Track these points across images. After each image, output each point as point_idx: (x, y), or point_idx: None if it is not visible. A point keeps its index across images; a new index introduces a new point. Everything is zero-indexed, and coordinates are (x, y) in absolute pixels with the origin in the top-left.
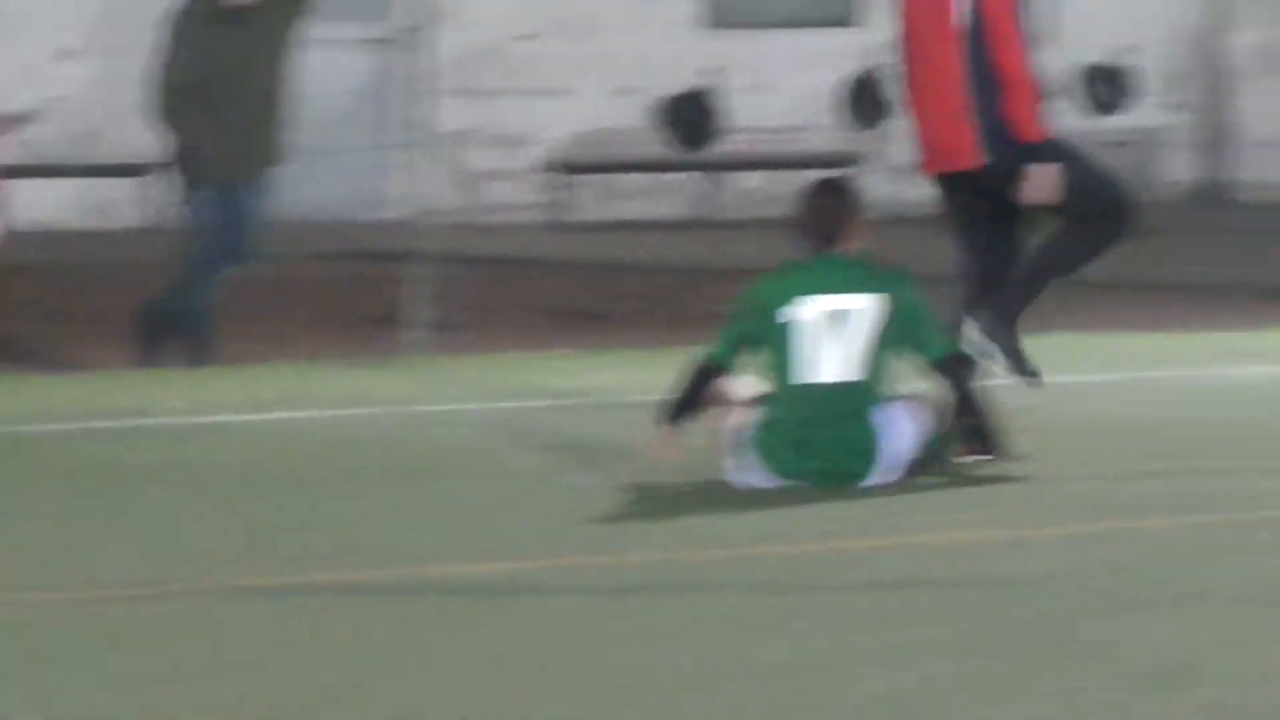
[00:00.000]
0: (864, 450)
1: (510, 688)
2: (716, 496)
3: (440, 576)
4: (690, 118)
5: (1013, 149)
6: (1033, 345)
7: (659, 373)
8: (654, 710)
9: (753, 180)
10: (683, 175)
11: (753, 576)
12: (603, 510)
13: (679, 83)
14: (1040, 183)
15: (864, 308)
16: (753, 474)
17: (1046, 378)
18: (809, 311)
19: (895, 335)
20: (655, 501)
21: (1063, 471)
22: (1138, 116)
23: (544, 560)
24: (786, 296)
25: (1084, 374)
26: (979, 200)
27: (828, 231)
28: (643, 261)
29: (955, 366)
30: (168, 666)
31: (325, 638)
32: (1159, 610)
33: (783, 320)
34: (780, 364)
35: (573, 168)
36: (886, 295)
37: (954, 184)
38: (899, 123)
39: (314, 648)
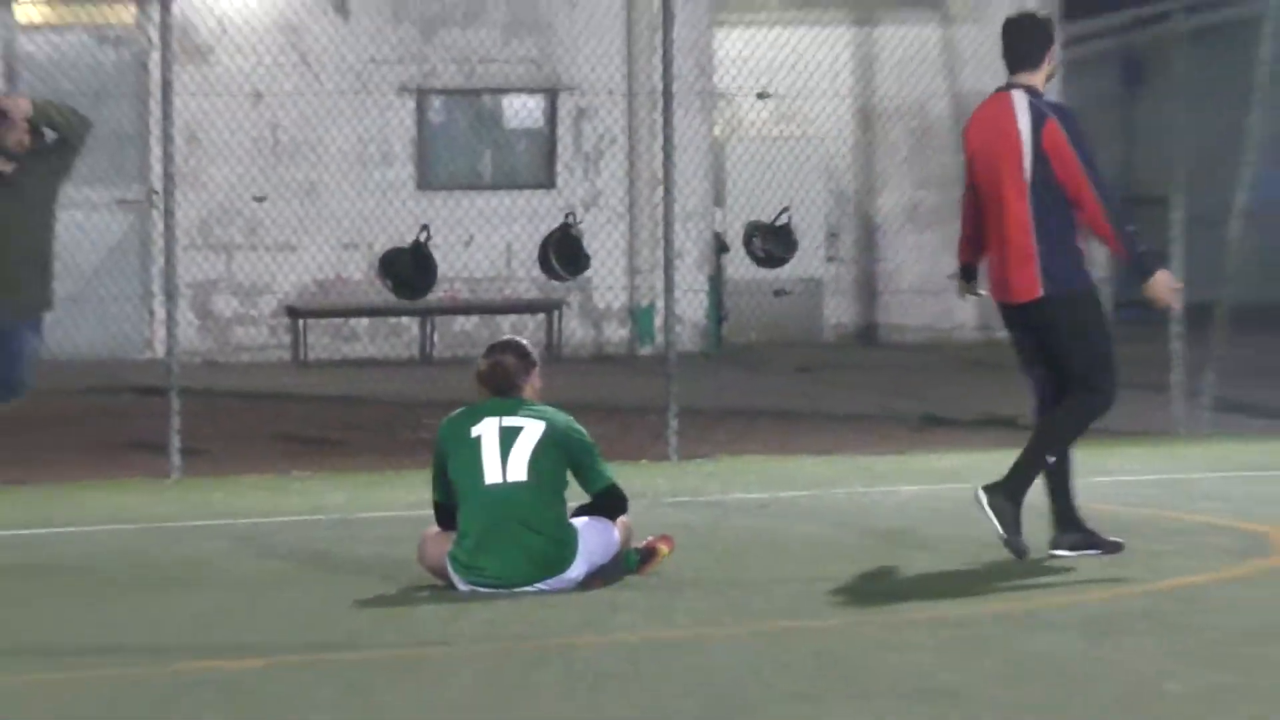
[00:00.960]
0: (541, 555)
1: None
2: (447, 598)
3: (192, 671)
4: (407, 269)
5: (1065, 287)
6: (724, 468)
7: (388, 492)
8: None
9: (465, 323)
10: (403, 319)
11: (475, 667)
12: (337, 611)
13: (396, 238)
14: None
15: (530, 426)
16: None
17: (731, 495)
18: (485, 429)
19: (560, 460)
20: (385, 605)
21: (740, 578)
22: (801, 268)
23: (290, 655)
24: (468, 424)
25: (761, 492)
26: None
27: (506, 385)
28: (370, 395)
29: (608, 499)
30: None
31: None
32: (817, 700)
33: (467, 438)
34: (465, 474)
35: (306, 313)
36: (549, 424)
37: (1015, 316)
38: (593, 272)
39: None
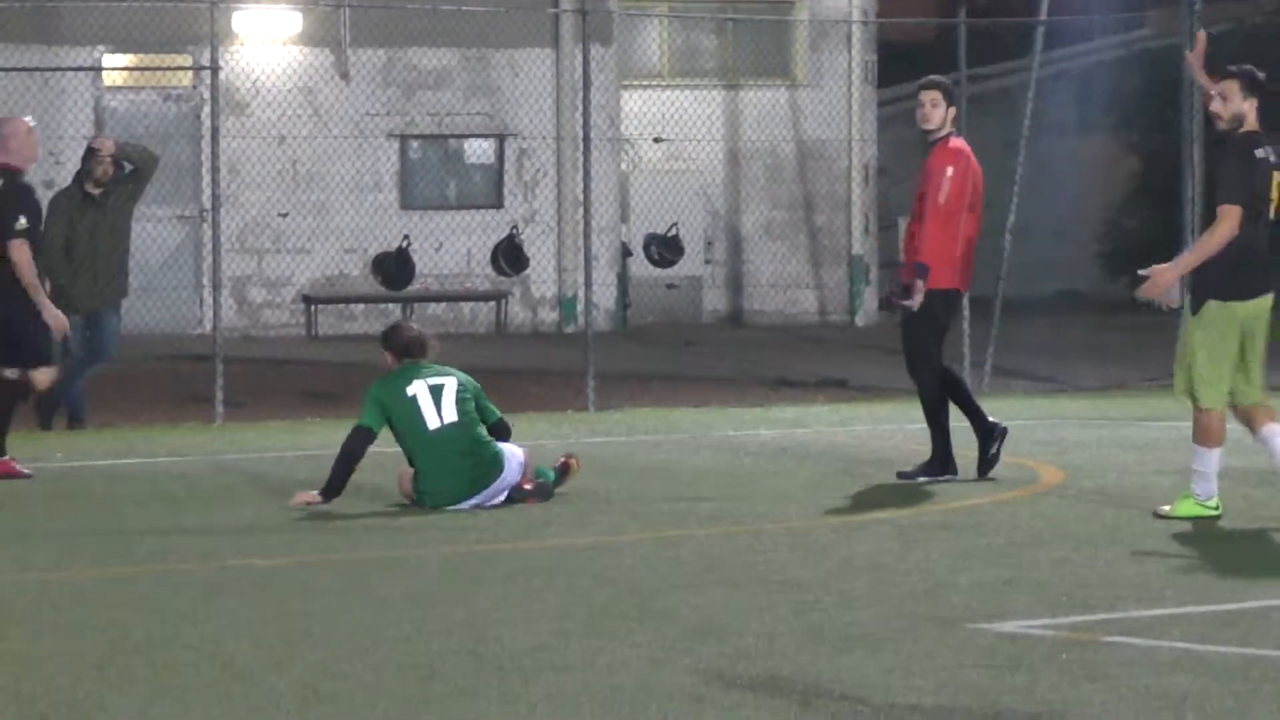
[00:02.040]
0: (485, 472)
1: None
2: (419, 513)
3: (234, 567)
4: (393, 268)
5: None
6: (629, 416)
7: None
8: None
9: (436, 308)
10: (389, 305)
11: (442, 564)
12: (340, 523)
13: (385, 245)
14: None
15: (447, 380)
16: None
17: (634, 437)
18: (417, 388)
19: (470, 400)
20: (374, 518)
21: (641, 498)
22: (686, 268)
23: (307, 555)
24: (402, 385)
25: (657, 435)
26: None
27: (421, 352)
28: (364, 361)
29: (501, 426)
30: None
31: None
32: (700, 589)
33: (404, 396)
34: (411, 425)
35: (317, 300)
36: (456, 376)
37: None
38: (531, 270)
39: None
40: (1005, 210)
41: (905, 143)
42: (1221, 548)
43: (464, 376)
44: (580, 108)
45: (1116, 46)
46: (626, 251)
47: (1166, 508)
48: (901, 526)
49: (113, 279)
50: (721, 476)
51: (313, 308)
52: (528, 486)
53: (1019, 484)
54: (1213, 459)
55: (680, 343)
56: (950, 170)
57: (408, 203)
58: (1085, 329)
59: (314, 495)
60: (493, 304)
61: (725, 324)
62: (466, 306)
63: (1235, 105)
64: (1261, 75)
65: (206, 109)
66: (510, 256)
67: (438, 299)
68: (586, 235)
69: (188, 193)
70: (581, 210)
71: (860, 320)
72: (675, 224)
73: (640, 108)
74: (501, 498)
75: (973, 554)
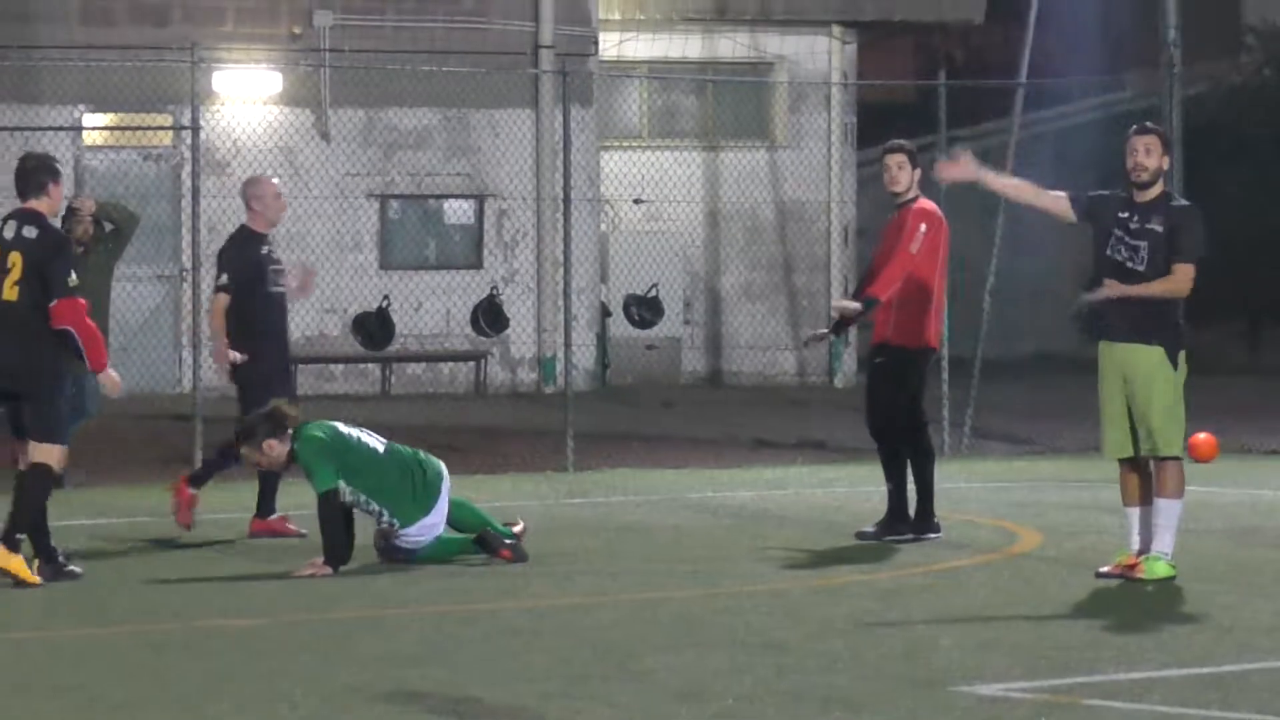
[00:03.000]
0: (435, 483)
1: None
2: (399, 571)
3: (209, 628)
4: (373, 328)
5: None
6: (609, 477)
7: None
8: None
9: (415, 369)
10: (369, 365)
11: (422, 625)
12: (320, 580)
13: (365, 304)
14: None
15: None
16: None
17: (614, 498)
18: (342, 425)
19: None
20: (354, 576)
21: (620, 558)
22: (665, 329)
23: (286, 615)
24: (330, 428)
25: (636, 496)
26: None
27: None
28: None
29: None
30: None
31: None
32: (679, 651)
33: (342, 433)
34: (361, 453)
35: (297, 360)
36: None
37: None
38: (511, 331)
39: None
40: (984, 271)
41: (885, 204)
42: (1200, 609)
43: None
44: (560, 168)
45: (1096, 108)
46: (606, 312)
47: (1142, 571)
48: (881, 588)
49: None
50: (701, 537)
51: (292, 368)
52: (506, 555)
53: (999, 546)
54: (1179, 511)
55: (659, 403)
56: (924, 226)
57: (387, 263)
58: (1063, 390)
59: (320, 565)
60: (472, 364)
61: (704, 385)
62: (446, 367)
63: (1157, 162)
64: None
65: (187, 168)
66: (490, 317)
67: (417, 359)
68: (566, 295)
69: (168, 252)
70: (561, 270)
71: (839, 381)
72: (655, 285)
73: (620, 169)
74: (440, 519)
75: (953, 616)
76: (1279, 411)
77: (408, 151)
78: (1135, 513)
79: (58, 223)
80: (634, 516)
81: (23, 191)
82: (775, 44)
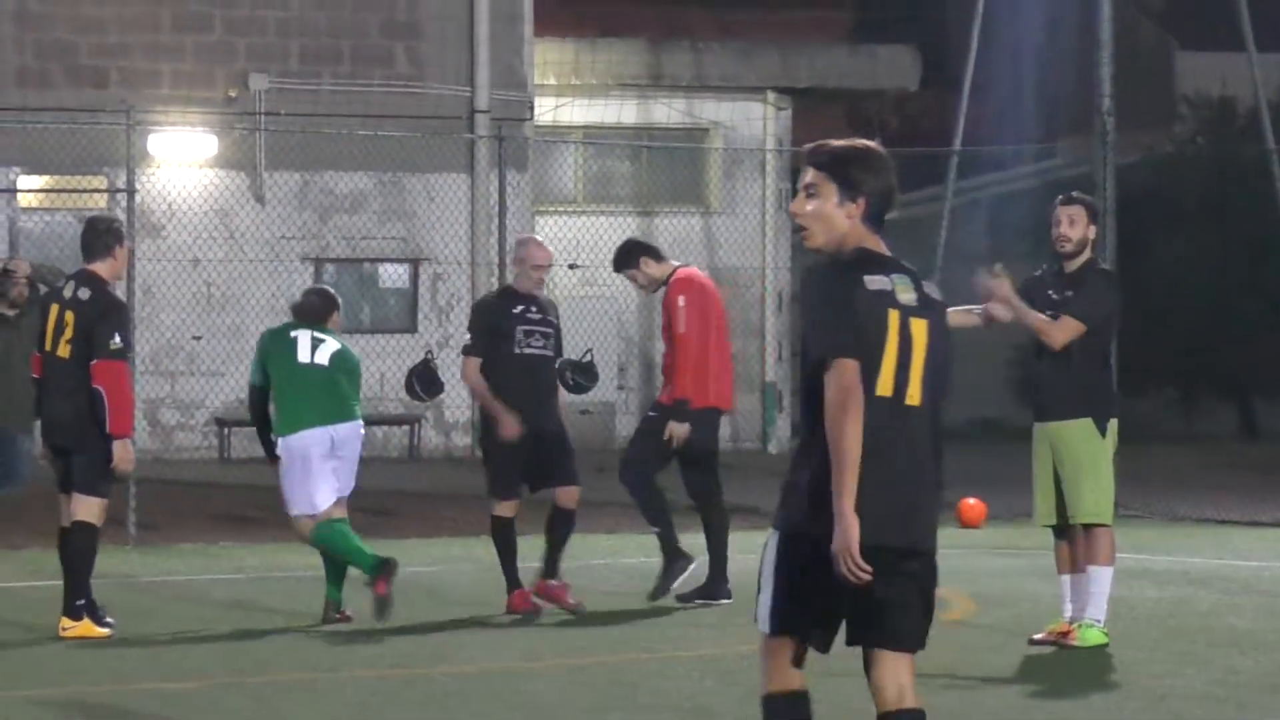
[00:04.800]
0: (336, 409)
1: None
2: (336, 635)
3: (143, 691)
4: None
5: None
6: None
7: (292, 556)
8: None
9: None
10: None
11: (356, 689)
12: (252, 645)
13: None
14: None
15: (331, 341)
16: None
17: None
18: (300, 334)
19: (344, 369)
20: (287, 639)
21: (554, 623)
22: (599, 394)
23: (218, 678)
24: (287, 330)
25: (570, 561)
26: None
27: (313, 316)
28: (276, 485)
29: None
30: None
31: None
32: (611, 715)
33: (286, 337)
34: (282, 361)
35: (230, 423)
36: (344, 347)
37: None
38: (445, 395)
39: None
40: None
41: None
42: (1132, 677)
43: (354, 356)
44: (495, 233)
45: (1029, 175)
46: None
47: (1075, 638)
48: (812, 654)
49: (27, 401)
50: (633, 602)
51: (226, 430)
52: (381, 591)
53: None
54: (1110, 578)
55: (593, 469)
56: (682, 300)
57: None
58: (996, 457)
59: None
60: (406, 428)
61: None
62: (380, 430)
63: (1082, 232)
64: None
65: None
66: (424, 381)
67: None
68: None
69: None
70: None
71: (773, 448)
72: (589, 350)
73: (555, 233)
74: (344, 451)
75: None
76: (1212, 480)
77: (343, 215)
78: (1067, 580)
79: (120, 286)
80: (568, 582)
81: (88, 252)
82: (710, 110)
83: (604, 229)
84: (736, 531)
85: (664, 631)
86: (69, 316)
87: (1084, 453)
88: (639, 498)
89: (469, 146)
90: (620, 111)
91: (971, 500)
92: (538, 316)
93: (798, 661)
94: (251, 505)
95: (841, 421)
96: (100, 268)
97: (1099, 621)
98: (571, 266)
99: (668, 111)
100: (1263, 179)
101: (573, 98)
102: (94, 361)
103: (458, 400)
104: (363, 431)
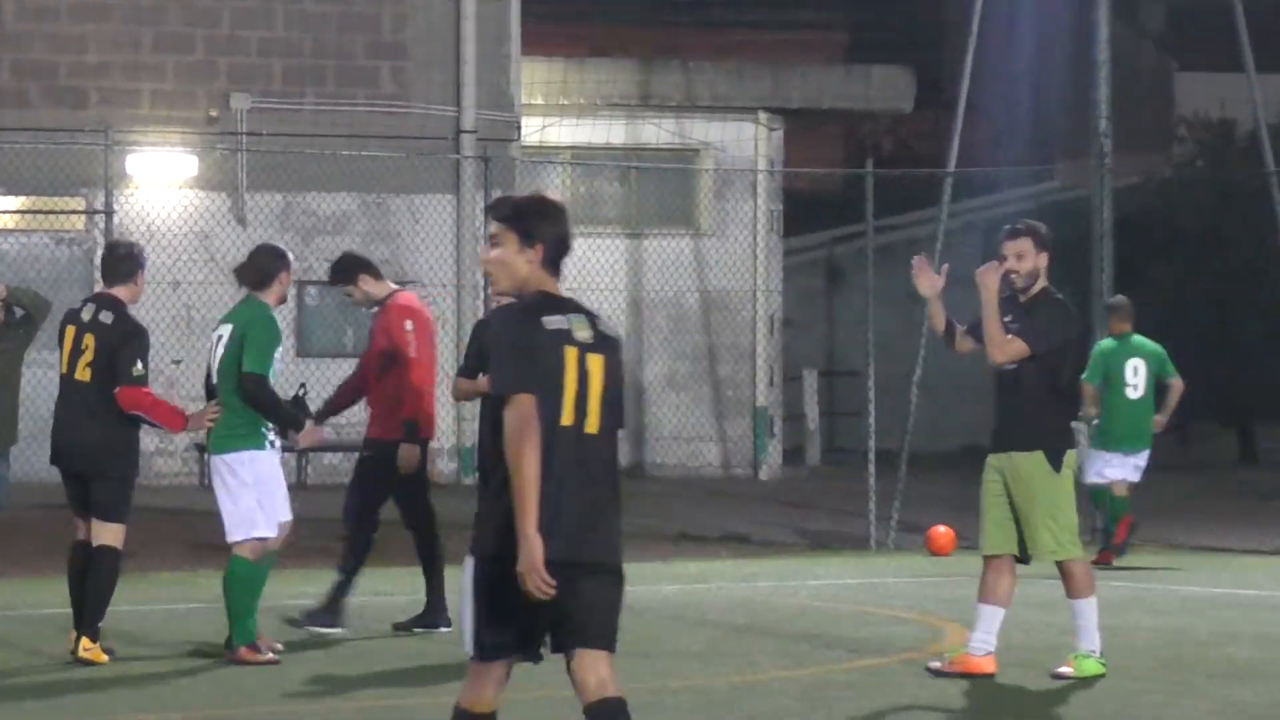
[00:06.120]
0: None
1: None
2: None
3: None
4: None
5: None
6: None
7: (276, 586)
8: None
9: (332, 458)
10: (285, 454)
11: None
12: (237, 680)
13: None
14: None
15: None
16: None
17: None
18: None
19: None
20: (260, 674)
21: None
22: None
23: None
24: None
25: None
26: None
27: (256, 279)
28: None
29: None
30: None
31: None
32: None
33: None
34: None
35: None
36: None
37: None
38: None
39: None
40: (912, 363)
41: (811, 292)
42: (1128, 707)
43: (245, 318)
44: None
45: (1025, 198)
46: None
47: (1066, 669)
48: (805, 685)
49: (2, 426)
50: (621, 633)
51: (205, 456)
52: (237, 658)
53: (924, 642)
54: (1095, 607)
55: None
56: (410, 324)
57: (304, 350)
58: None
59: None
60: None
61: (626, 476)
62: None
63: (1031, 263)
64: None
65: (99, 253)
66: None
67: (335, 449)
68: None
69: None
70: None
71: (764, 474)
72: None
73: None
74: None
75: (876, 715)
76: (1210, 507)
77: (326, 237)
78: (987, 610)
79: (138, 310)
80: None
81: (108, 277)
82: (700, 130)
83: (592, 251)
84: (729, 560)
85: (652, 663)
86: (88, 339)
87: (1037, 488)
88: (354, 541)
89: (454, 167)
90: (609, 132)
91: (941, 528)
92: None
93: (504, 677)
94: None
95: (520, 450)
96: (121, 292)
97: (1094, 652)
98: None
99: (657, 132)
100: (1263, 202)
101: (560, 118)
102: (117, 389)
103: (442, 425)
104: None
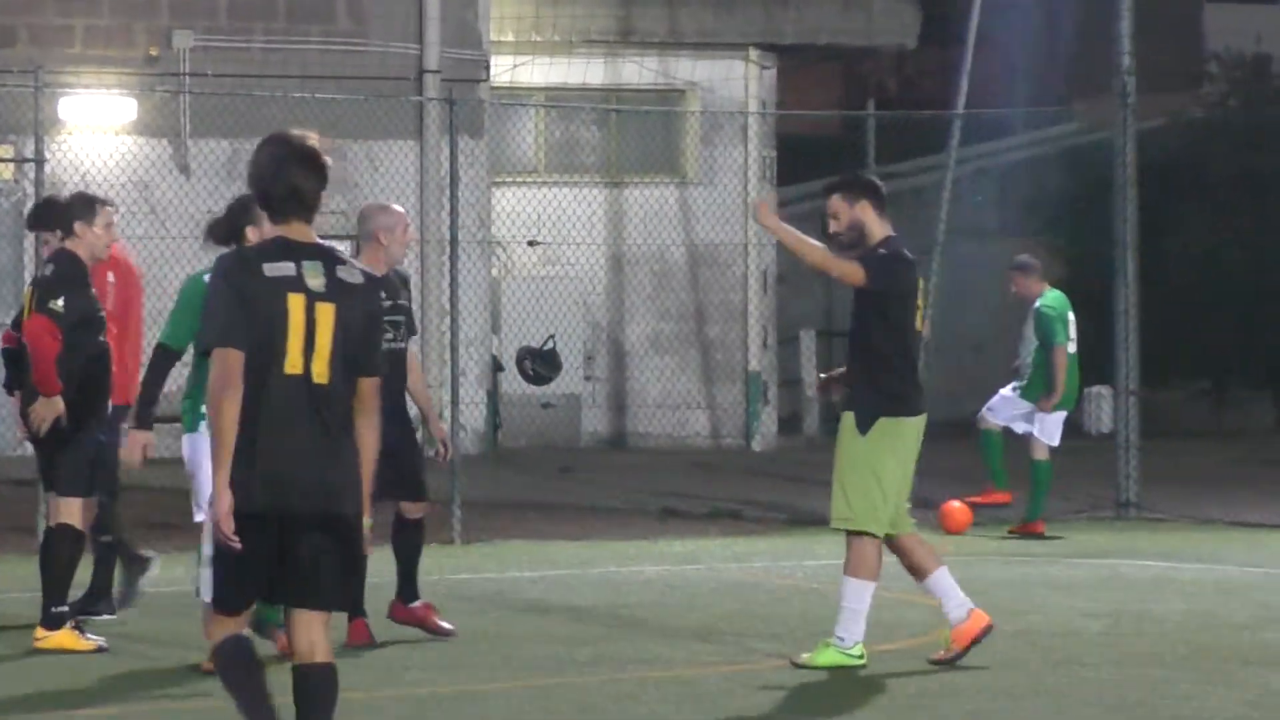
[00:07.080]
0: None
1: None
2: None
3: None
4: None
5: None
6: (500, 550)
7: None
8: None
9: None
10: None
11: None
12: (181, 672)
13: None
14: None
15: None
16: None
17: (506, 573)
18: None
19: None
20: None
21: (513, 641)
22: (563, 385)
23: (139, 704)
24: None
25: (531, 570)
26: None
27: (226, 235)
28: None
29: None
30: None
31: None
32: None
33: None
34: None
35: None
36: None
37: None
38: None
39: None
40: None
41: None
42: (1157, 697)
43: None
44: (447, 206)
45: (1041, 142)
46: (498, 366)
47: (806, 656)
48: (799, 672)
49: None
50: (603, 617)
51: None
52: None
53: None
54: (869, 594)
55: (557, 469)
56: (111, 277)
57: None
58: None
59: None
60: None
61: (607, 447)
62: None
63: (847, 217)
64: (868, 180)
65: (29, 205)
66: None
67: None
68: (453, 348)
69: (9, 298)
70: (448, 320)
71: (758, 444)
72: (552, 336)
73: (514, 207)
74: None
75: (879, 703)
76: (1245, 478)
77: None
78: (930, 580)
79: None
80: (529, 594)
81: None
82: (686, 69)
83: (568, 202)
84: (719, 538)
85: (637, 650)
86: (26, 292)
87: (841, 451)
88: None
89: (417, 110)
90: (586, 71)
91: (956, 503)
92: (388, 303)
93: (246, 618)
94: (175, 511)
95: (219, 405)
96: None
97: (843, 641)
98: (531, 243)
99: (639, 71)
100: None
101: (533, 56)
102: (28, 317)
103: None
104: None
